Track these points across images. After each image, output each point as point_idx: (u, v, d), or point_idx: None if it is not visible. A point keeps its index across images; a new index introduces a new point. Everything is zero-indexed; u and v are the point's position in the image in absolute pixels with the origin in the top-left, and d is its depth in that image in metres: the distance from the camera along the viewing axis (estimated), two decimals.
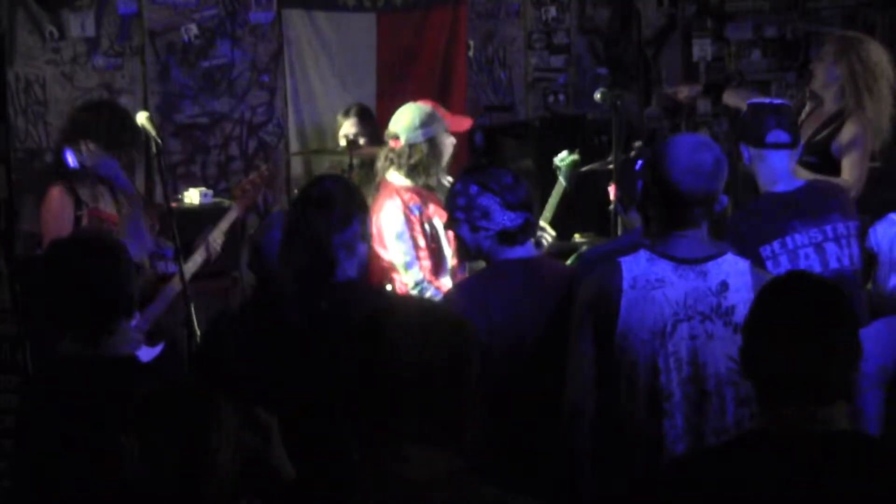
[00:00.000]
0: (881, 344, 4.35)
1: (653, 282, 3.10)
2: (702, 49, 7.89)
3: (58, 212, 5.01)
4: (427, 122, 5.00)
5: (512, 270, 3.57)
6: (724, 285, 3.12)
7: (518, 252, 3.60)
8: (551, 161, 5.45)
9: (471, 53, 7.69)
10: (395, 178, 4.94)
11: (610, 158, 5.41)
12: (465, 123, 5.41)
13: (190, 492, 2.32)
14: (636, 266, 3.13)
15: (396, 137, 4.98)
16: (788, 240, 4.09)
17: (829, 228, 4.14)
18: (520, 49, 7.92)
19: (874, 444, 2.51)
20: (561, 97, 8.00)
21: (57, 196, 5.02)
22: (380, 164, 5.07)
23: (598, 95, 5.41)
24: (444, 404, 2.05)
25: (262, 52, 7.08)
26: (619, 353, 3.09)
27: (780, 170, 4.20)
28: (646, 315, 3.07)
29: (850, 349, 2.39)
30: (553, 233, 5.01)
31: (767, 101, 4.42)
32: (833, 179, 4.88)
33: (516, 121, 7.76)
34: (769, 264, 4.02)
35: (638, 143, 5.93)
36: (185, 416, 2.36)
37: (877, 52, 5.24)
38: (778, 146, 4.18)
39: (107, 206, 5.04)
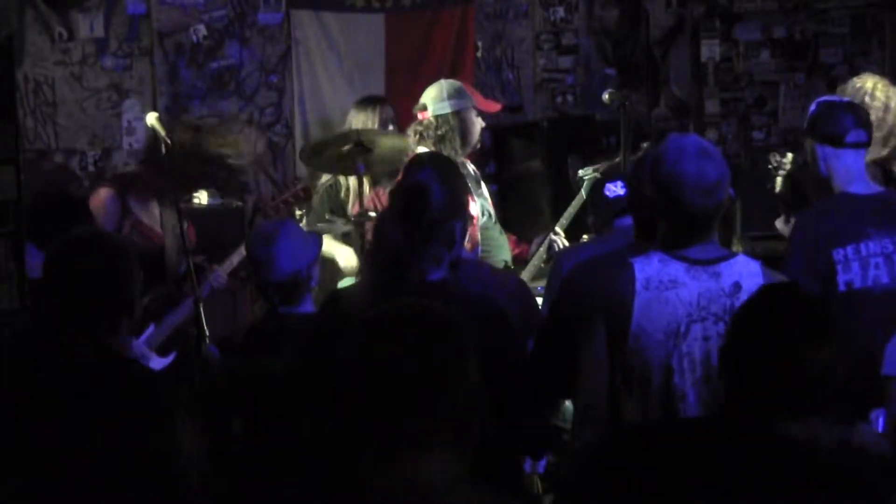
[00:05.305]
0: None
1: (666, 283, 3.08)
2: (710, 50, 7.88)
3: (101, 214, 4.95)
4: (455, 96, 5.11)
5: None
6: (737, 286, 3.09)
7: None
8: (560, 162, 5.47)
9: (479, 54, 7.68)
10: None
11: (618, 159, 5.42)
12: (494, 106, 5.46)
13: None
14: (649, 267, 3.11)
15: (424, 109, 5.08)
16: (862, 246, 3.98)
17: None
18: (528, 50, 7.91)
19: (834, 454, 2.48)
20: (569, 98, 7.98)
21: (104, 197, 4.98)
22: (410, 139, 5.14)
23: (606, 96, 5.42)
24: (442, 408, 2.05)
25: (271, 53, 7.09)
26: (632, 354, 3.08)
27: (856, 170, 4.12)
28: (660, 316, 3.06)
29: (827, 369, 2.39)
30: (566, 243, 5.09)
31: (838, 98, 4.33)
32: None
33: (524, 121, 7.75)
34: (839, 268, 3.96)
35: (646, 144, 5.92)
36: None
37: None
38: (858, 145, 4.11)
39: (152, 222, 5.00)
